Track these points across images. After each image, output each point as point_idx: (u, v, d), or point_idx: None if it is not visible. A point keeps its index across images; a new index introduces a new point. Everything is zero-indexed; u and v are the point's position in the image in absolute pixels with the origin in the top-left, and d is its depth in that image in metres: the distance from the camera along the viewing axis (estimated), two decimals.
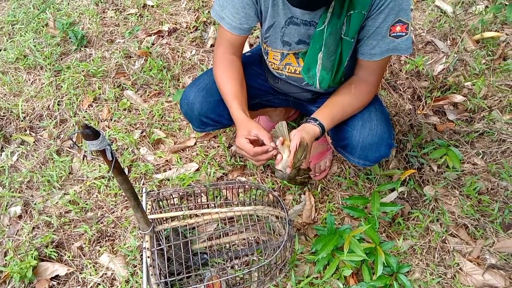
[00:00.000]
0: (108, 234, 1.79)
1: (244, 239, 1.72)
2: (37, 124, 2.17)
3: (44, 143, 2.10)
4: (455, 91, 2.14)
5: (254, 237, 1.72)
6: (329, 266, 1.58)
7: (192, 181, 1.89)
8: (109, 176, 1.94)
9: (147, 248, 1.37)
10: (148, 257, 1.37)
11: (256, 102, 1.66)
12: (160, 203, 1.58)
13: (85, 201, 1.88)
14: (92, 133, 0.94)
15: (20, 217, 1.86)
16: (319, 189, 1.87)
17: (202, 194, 1.71)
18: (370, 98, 1.46)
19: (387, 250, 1.62)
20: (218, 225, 1.76)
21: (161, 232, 1.54)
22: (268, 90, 1.67)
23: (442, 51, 2.35)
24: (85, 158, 2.02)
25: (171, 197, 1.60)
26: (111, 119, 2.17)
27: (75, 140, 2.09)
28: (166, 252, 1.44)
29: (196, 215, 1.49)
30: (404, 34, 1.29)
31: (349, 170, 1.92)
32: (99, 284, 1.65)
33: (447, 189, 1.82)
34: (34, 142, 2.10)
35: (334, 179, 1.91)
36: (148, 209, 1.50)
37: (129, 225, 1.79)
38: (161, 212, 1.55)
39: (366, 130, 1.42)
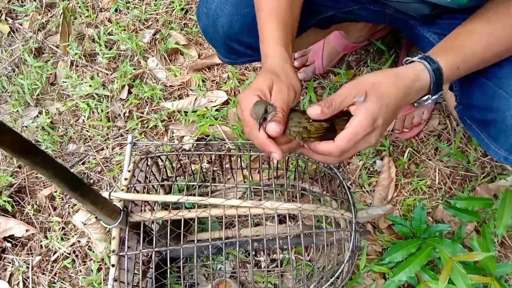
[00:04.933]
0: (91, 181, 1.27)
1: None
2: (16, 10, 1.56)
3: (23, 37, 1.50)
4: None
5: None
6: None
7: (214, 124, 1.28)
8: (102, 95, 1.36)
9: (114, 252, 0.83)
10: (113, 265, 0.82)
11: (330, 15, 0.96)
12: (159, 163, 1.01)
13: (65, 129, 1.33)
14: None
15: None
16: (406, 154, 1.22)
17: (226, 156, 1.06)
18: None
19: (501, 273, 1.01)
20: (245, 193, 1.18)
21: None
22: None
23: None
24: (73, 65, 1.43)
25: (177, 158, 1.01)
26: (116, 10, 1.52)
27: None
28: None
29: (205, 206, 0.90)
30: None
31: (457, 128, 1.23)
32: (68, 256, 1.16)
33: None
34: (9, 33, 1.52)
35: (431, 141, 1.24)
36: (132, 172, 0.92)
37: (119, 173, 1.25)
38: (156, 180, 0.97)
39: None
